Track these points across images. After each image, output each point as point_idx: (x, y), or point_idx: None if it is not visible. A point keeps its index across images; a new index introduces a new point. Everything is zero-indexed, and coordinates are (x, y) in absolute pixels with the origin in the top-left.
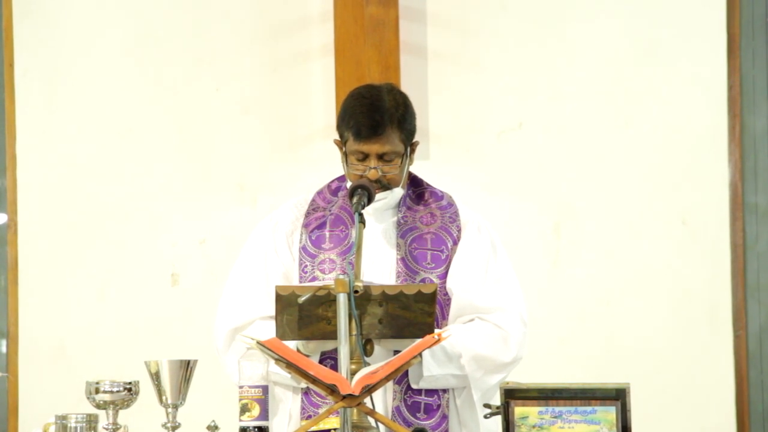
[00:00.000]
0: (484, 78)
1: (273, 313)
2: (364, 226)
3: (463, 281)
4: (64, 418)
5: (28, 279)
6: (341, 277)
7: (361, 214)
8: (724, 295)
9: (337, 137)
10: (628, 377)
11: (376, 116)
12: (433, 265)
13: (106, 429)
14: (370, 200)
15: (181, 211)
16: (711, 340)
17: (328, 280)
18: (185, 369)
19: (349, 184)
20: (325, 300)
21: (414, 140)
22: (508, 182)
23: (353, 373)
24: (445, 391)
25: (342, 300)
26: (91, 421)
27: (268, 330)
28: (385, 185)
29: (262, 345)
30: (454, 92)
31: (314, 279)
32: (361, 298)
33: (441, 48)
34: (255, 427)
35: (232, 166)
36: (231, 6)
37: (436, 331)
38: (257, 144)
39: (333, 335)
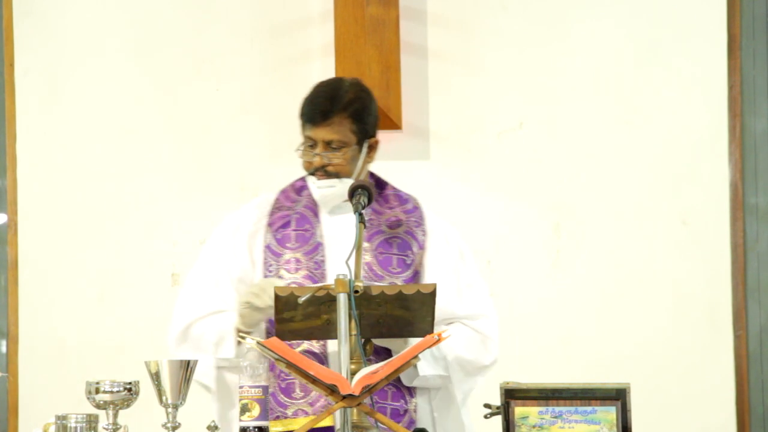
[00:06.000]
0: (484, 78)
1: (224, 307)
2: (365, 227)
3: (440, 293)
4: (64, 418)
5: (28, 279)
6: (341, 277)
7: (361, 214)
8: (724, 295)
9: (301, 128)
10: (628, 377)
11: (327, 104)
12: (399, 269)
13: (106, 429)
14: (370, 200)
15: (181, 211)
16: (711, 341)
17: (292, 279)
18: (185, 369)
19: (306, 176)
20: (324, 300)
21: (373, 138)
22: (508, 182)
23: (353, 373)
24: (412, 395)
25: (342, 300)
26: (91, 421)
27: (216, 323)
28: (332, 174)
29: (262, 345)
30: (454, 92)
31: (280, 278)
32: (361, 298)
33: (441, 48)
34: (255, 427)
35: (232, 166)
36: (231, 6)
37: (436, 330)
38: (257, 144)
39: (333, 335)
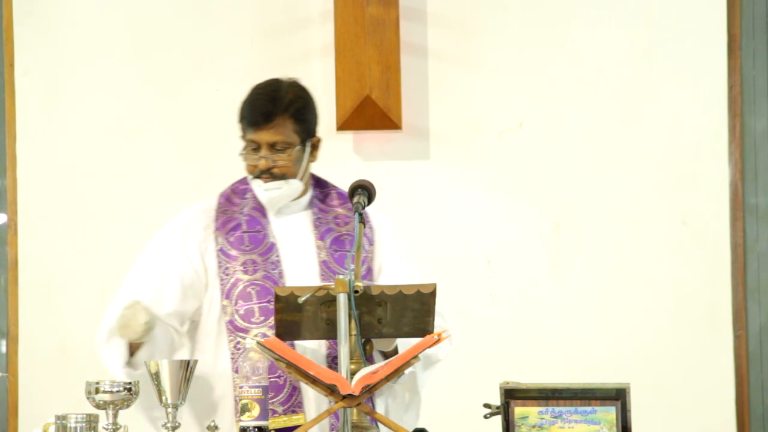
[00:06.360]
0: (484, 78)
1: (167, 308)
2: (365, 226)
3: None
4: (64, 418)
5: (28, 279)
6: (341, 277)
7: (361, 214)
8: (724, 295)
9: (241, 132)
10: (628, 377)
11: (268, 105)
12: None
13: (106, 429)
14: (370, 200)
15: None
16: (711, 341)
17: (250, 280)
18: (185, 369)
19: (249, 178)
20: (324, 300)
21: (315, 137)
22: (508, 182)
23: (353, 373)
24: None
25: (342, 300)
26: (91, 421)
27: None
28: (278, 176)
29: (262, 345)
30: (454, 92)
31: (239, 280)
32: (361, 298)
33: (441, 48)
34: (255, 427)
35: (232, 166)
36: (231, 6)
37: (436, 330)
38: None
39: (333, 335)
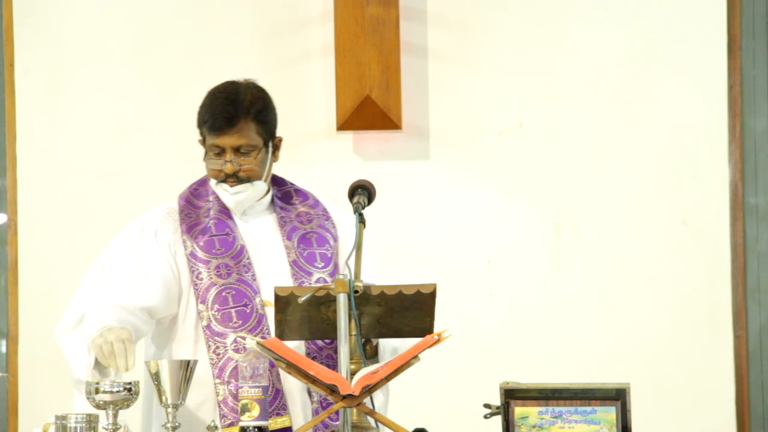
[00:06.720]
0: (484, 78)
1: (147, 302)
2: (365, 226)
3: (369, 281)
4: (64, 418)
5: (28, 279)
6: (341, 277)
7: (361, 214)
8: (724, 295)
9: (200, 137)
10: (628, 377)
11: (230, 109)
12: (323, 264)
13: (106, 429)
14: (370, 200)
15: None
16: (711, 341)
17: (225, 284)
18: (185, 369)
19: (212, 182)
20: (324, 300)
21: (277, 137)
22: (508, 182)
23: (353, 373)
24: None
25: (342, 300)
26: (91, 421)
27: (105, 314)
28: (243, 179)
29: (262, 345)
30: (454, 92)
31: (213, 284)
32: (361, 298)
33: (441, 48)
34: (255, 427)
35: None
36: (231, 6)
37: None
38: None
39: (333, 335)
